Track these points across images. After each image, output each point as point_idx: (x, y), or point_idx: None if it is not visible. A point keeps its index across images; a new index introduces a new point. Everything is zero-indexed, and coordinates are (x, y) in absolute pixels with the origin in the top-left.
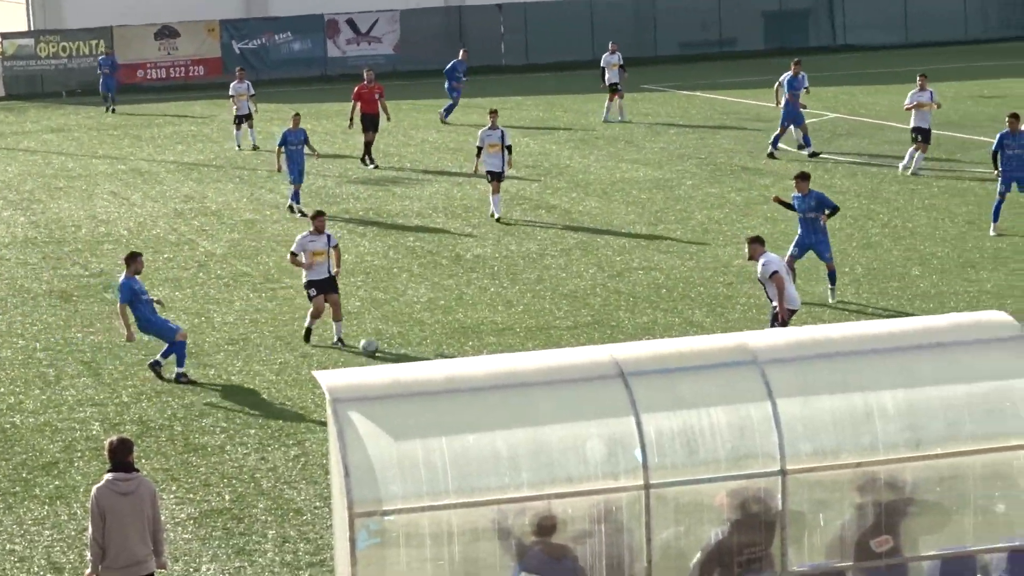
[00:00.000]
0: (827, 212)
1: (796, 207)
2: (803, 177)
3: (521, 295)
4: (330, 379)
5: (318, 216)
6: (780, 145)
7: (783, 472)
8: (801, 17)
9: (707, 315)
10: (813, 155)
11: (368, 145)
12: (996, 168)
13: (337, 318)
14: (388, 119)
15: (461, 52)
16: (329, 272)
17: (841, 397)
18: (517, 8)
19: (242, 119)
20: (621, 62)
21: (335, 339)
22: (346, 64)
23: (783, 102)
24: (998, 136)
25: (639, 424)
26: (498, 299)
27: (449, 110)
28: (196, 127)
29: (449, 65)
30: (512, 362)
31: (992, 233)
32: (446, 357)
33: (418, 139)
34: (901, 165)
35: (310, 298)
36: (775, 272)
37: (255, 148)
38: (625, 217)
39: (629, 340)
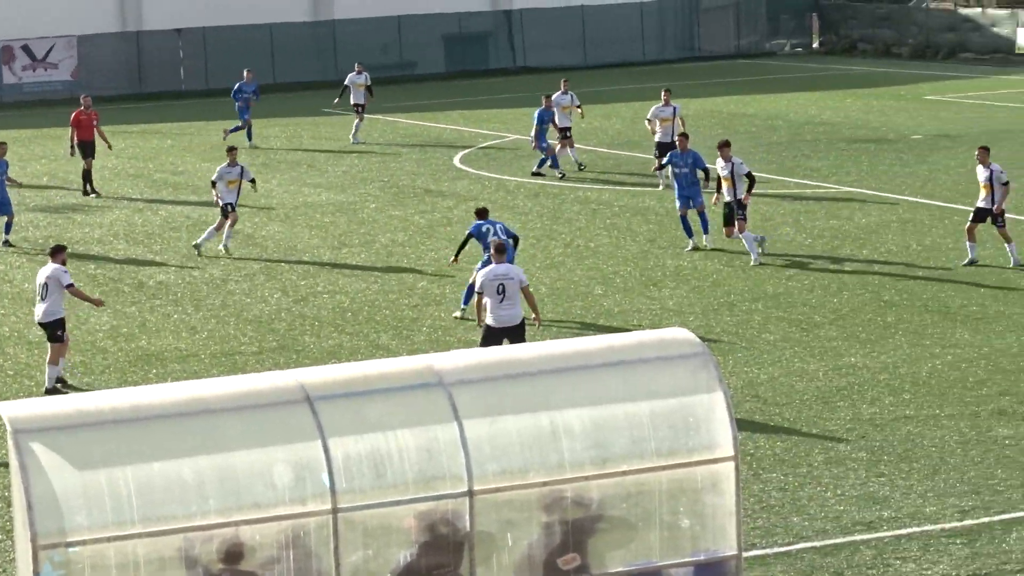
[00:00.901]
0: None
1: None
2: (725, 144)
3: (205, 321)
4: (10, 410)
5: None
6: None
7: (470, 493)
8: (481, 40)
9: (393, 338)
10: (563, 175)
11: (86, 173)
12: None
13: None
14: (109, 147)
15: (246, 73)
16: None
17: (527, 417)
18: (195, 33)
19: None
20: (368, 82)
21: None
22: (22, 91)
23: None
24: (669, 155)
25: (326, 448)
26: (182, 326)
27: (236, 129)
28: None
29: (235, 87)
30: (197, 389)
31: (688, 248)
32: (130, 385)
33: (97, 165)
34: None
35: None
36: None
37: None
38: (309, 241)
39: (315, 364)
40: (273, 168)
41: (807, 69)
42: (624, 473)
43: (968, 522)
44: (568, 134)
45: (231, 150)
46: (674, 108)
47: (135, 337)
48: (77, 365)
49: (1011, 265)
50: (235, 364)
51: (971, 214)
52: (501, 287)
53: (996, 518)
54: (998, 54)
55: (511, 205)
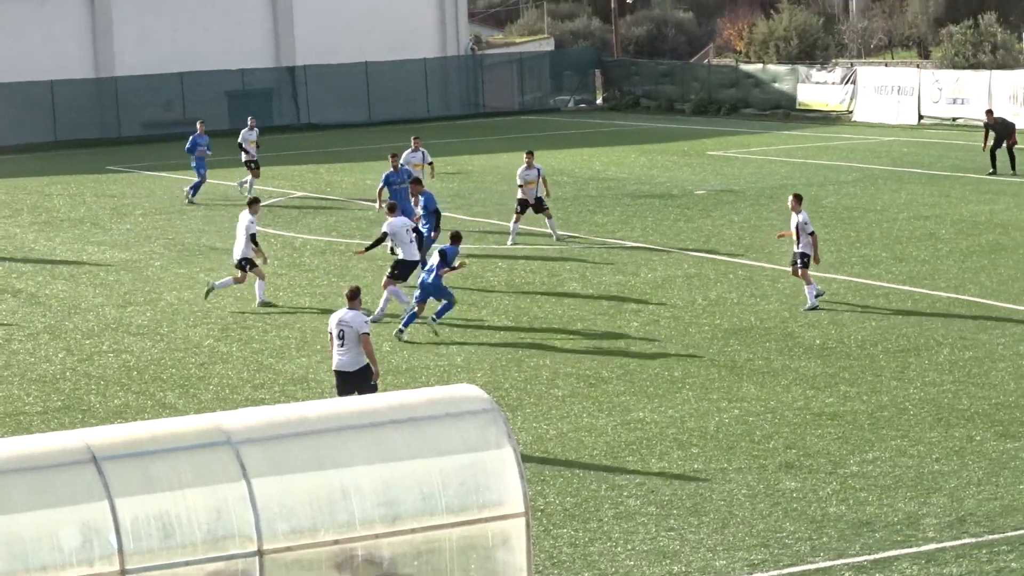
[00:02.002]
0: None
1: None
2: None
3: None
4: None
5: None
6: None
7: (260, 552)
8: (264, 96)
9: (180, 396)
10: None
11: None
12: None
13: None
14: None
15: (199, 124)
16: None
17: (317, 475)
18: None
19: None
20: (256, 138)
21: None
22: None
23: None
24: (384, 175)
25: (113, 509)
26: None
27: (196, 187)
28: None
29: (189, 141)
30: None
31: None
32: None
33: None
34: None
35: None
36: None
37: None
38: (93, 300)
39: (101, 424)
40: (55, 227)
41: (591, 125)
42: (414, 531)
43: (757, 575)
44: None
45: (254, 202)
46: (537, 169)
47: None
48: None
49: (806, 307)
50: (19, 424)
51: (793, 261)
52: (342, 332)
53: (785, 571)
54: (780, 109)
55: (298, 263)
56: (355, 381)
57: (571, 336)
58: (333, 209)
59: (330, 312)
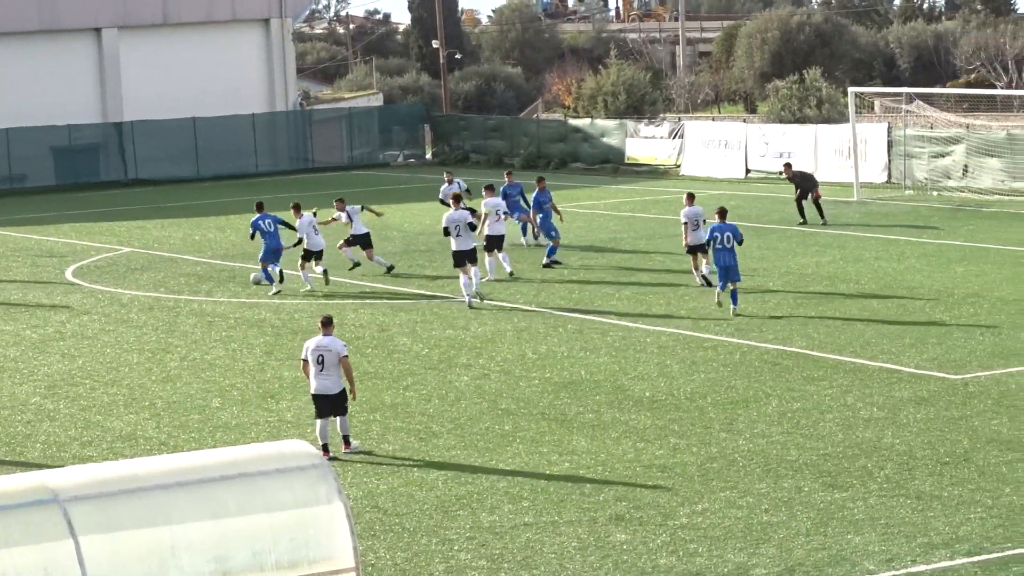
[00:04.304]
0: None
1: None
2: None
3: None
4: None
5: None
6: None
7: None
8: (92, 152)
9: (6, 454)
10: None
11: None
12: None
13: None
14: None
15: None
16: None
17: (147, 532)
18: None
19: None
20: None
21: None
22: None
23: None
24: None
25: None
26: None
27: None
28: None
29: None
30: None
31: None
32: None
33: None
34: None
35: None
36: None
37: None
38: None
39: None
40: None
41: (420, 180)
42: None
43: None
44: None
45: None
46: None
47: None
48: None
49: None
50: None
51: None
52: (321, 358)
53: None
54: (608, 164)
55: (125, 319)
56: (336, 402)
57: (401, 391)
58: (161, 265)
59: (155, 370)
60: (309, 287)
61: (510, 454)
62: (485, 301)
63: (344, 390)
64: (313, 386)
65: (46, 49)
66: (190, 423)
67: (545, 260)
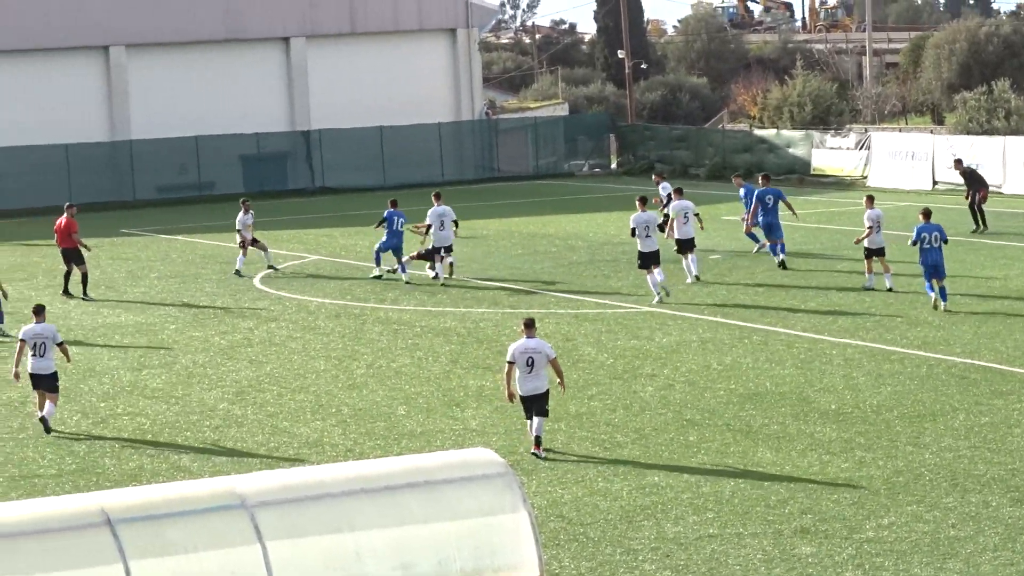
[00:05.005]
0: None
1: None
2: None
3: (2, 444)
4: None
5: None
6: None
7: None
8: (279, 160)
9: (194, 459)
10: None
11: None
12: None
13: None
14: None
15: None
16: None
17: (332, 538)
18: None
19: None
20: (252, 222)
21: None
22: None
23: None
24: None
25: (127, 572)
26: None
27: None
28: None
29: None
30: None
31: None
32: None
33: None
34: None
35: None
36: None
37: None
38: (108, 363)
39: (116, 487)
40: (71, 289)
41: (605, 189)
42: None
43: None
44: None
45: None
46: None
47: None
48: None
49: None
50: (34, 487)
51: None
52: (531, 360)
53: None
54: (794, 174)
55: (312, 326)
56: (543, 401)
57: (586, 400)
58: (347, 273)
59: (341, 377)
60: (405, 278)
61: (695, 465)
62: (670, 298)
63: (548, 391)
64: (522, 388)
65: (234, 58)
66: (376, 430)
67: (779, 259)
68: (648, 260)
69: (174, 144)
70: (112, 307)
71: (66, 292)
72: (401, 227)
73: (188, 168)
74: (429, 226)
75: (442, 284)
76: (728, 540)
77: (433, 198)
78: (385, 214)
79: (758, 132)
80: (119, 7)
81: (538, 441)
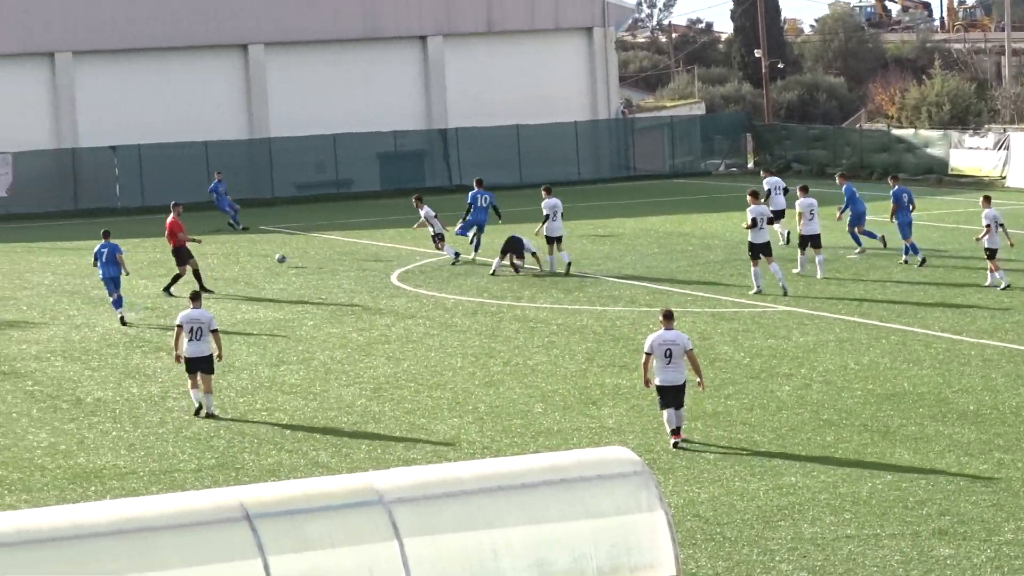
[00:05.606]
0: None
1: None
2: None
3: (143, 438)
4: None
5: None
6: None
7: None
8: (416, 158)
9: (332, 456)
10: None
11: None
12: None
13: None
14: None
15: (216, 175)
16: None
17: (468, 535)
18: (131, 150)
19: None
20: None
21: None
22: None
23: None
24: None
25: (266, 567)
26: (120, 443)
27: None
28: None
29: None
30: (135, 507)
31: None
32: (68, 503)
33: (34, 282)
34: None
35: None
36: None
37: None
38: (247, 359)
39: (254, 482)
40: (210, 285)
41: (742, 189)
42: None
43: None
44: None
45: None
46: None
47: (73, 454)
48: (15, 482)
49: (1002, 287)
50: (174, 481)
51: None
52: (668, 351)
53: None
54: (932, 175)
55: (449, 323)
56: (680, 393)
57: (723, 399)
58: (484, 271)
59: (478, 374)
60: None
61: (832, 465)
62: (788, 295)
63: (685, 384)
64: (659, 378)
65: (371, 56)
66: (512, 428)
67: (919, 258)
68: (758, 251)
69: (312, 142)
70: (250, 303)
71: (203, 288)
72: (486, 204)
73: (326, 166)
74: (429, 225)
75: (472, 260)
76: (865, 541)
77: (543, 191)
78: (472, 193)
79: (896, 132)
80: (258, 6)
81: (677, 431)
